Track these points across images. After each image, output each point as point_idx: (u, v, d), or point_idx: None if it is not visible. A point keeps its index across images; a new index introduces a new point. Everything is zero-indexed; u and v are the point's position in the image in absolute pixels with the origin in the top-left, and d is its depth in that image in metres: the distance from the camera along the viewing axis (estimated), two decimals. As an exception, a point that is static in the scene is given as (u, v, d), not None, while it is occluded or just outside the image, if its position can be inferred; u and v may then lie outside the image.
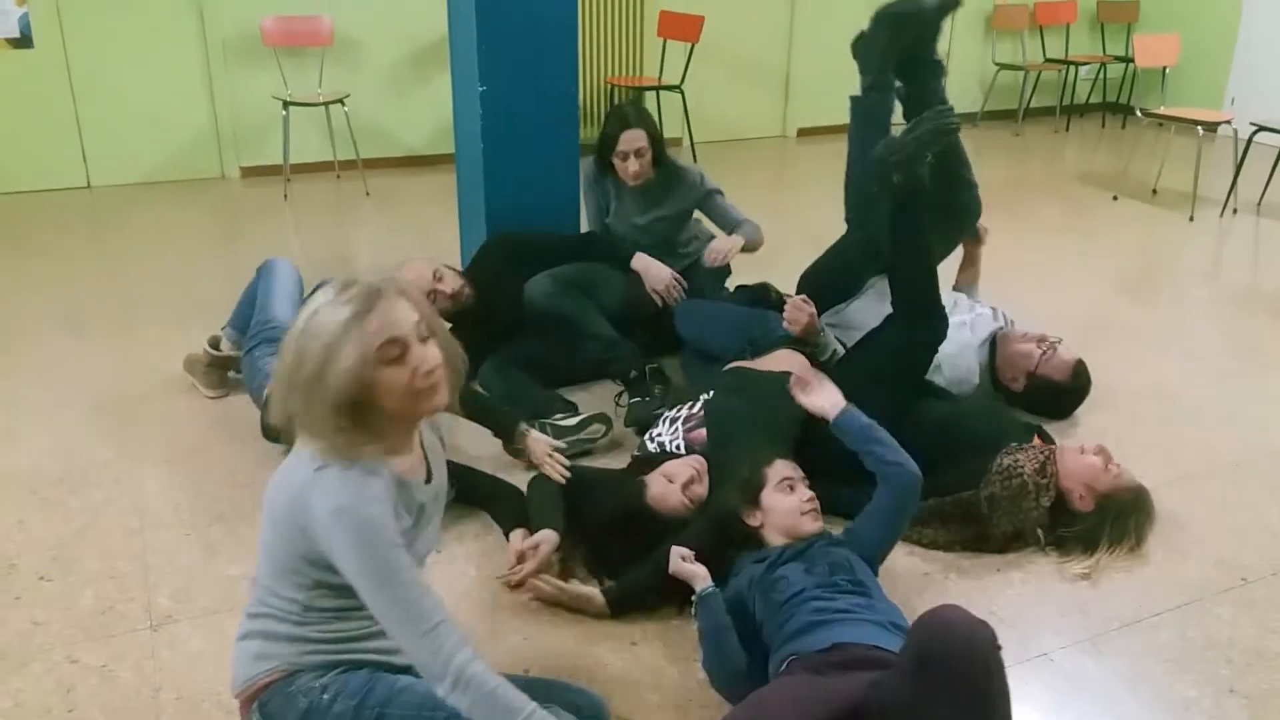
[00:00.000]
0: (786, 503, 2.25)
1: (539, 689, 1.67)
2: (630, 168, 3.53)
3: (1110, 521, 2.59)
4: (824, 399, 2.38)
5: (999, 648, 1.64)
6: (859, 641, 1.88)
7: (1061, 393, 3.25)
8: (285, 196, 5.91)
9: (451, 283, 3.28)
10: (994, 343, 3.35)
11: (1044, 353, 3.23)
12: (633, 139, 3.51)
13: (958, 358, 3.25)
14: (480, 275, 3.44)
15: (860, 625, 1.93)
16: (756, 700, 1.82)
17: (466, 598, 2.42)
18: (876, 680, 1.73)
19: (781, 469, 2.30)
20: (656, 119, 7.03)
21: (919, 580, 2.49)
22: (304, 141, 6.26)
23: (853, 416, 2.32)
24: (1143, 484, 2.69)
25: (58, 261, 4.76)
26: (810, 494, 2.27)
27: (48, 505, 2.78)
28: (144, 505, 2.78)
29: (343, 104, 5.99)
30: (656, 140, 3.57)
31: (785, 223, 5.59)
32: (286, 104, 5.87)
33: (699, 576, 2.16)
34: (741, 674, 2.03)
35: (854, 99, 3.35)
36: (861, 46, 3.28)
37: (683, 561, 2.18)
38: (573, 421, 3.08)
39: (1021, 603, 2.45)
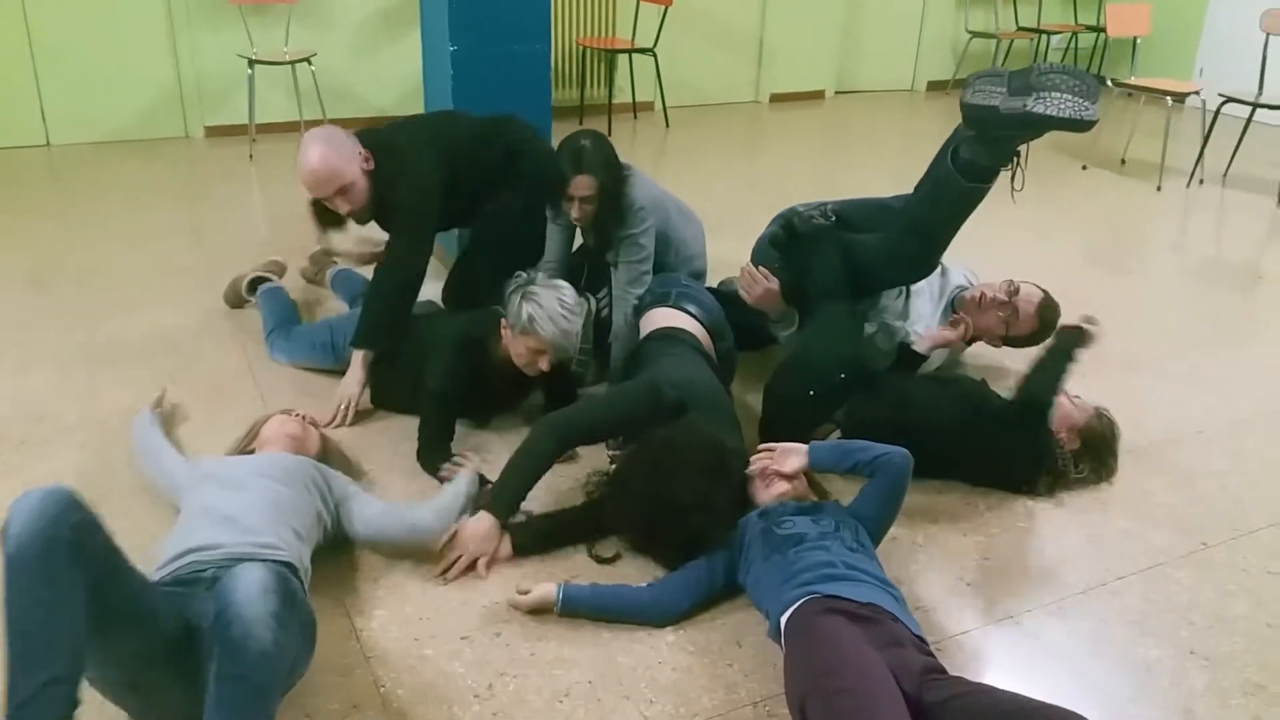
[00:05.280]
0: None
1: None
2: (573, 212, 3.12)
3: (1102, 453, 2.81)
4: (796, 458, 2.40)
5: None
6: (883, 607, 1.97)
7: (1037, 336, 3.25)
8: (250, 157, 5.82)
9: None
10: (953, 305, 3.38)
11: (1007, 316, 3.26)
12: (581, 185, 3.03)
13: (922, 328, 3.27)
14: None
15: (874, 589, 2.02)
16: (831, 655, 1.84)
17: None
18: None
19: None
20: (629, 86, 7.05)
21: (887, 544, 2.50)
22: (270, 101, 6.16)
23: (820, 450, 2.39)
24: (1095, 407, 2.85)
25: (18, 220, 4.66)
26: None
27: (10, 468, 2.73)
28: (110, 470, 2.74)
29: (309, 63, 5.89)
30: (607, 191, 3.04)
31: (756, 189, 5.59)
32: (252, 62, 5.75)
33: (543, 595, 2.22)
34: (643, 616, 2.22)
35: (951, 166, 2.85)
36: (995, 128, 2.77)
37: (520, 597, 2.23)
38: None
39: (989, 566, 2.49)
